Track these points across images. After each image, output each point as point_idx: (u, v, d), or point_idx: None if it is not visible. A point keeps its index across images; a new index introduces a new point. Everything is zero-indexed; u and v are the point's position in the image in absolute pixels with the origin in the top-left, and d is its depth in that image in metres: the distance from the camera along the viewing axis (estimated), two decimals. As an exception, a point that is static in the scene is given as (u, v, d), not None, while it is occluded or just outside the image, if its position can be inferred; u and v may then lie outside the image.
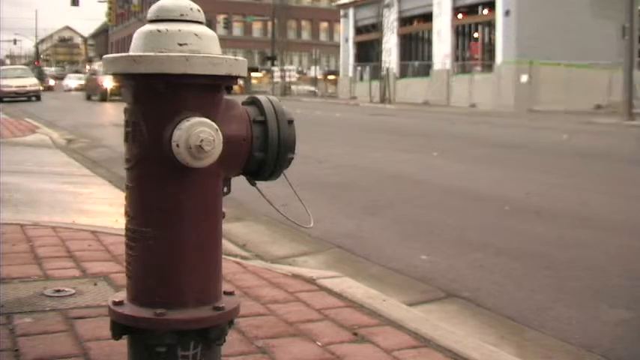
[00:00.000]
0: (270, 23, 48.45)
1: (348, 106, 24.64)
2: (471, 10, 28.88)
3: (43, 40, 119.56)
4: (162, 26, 1.34)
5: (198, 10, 1.37)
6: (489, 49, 27.72)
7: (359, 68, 36.28)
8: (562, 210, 4.69)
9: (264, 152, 1.42)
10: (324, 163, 6.98)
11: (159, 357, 1.33)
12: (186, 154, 1.28)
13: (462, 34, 29.43)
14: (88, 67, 54.07)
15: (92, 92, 27.37)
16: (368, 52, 34.58)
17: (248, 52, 54.01)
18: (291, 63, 51.29)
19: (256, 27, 58.56)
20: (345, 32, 38.33)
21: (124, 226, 1.42)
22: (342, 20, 39.21)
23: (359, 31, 37.19)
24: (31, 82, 26.08)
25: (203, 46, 1.34)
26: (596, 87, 22.43)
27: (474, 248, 3.60)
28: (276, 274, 2.63)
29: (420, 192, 5.50)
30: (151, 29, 1.34)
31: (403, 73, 31.97)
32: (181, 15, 1.34)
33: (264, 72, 50.46)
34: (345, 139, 10.65)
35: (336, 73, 42.72)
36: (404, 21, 33.34)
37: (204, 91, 1.34)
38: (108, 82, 23.33)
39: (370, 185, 5.83)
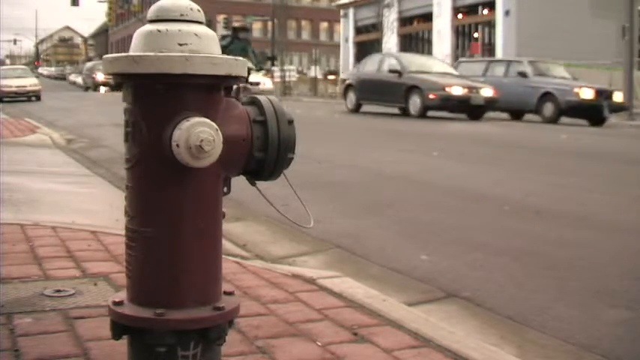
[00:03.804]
0: (270, 23, 48.43)
1: (348, 106, 24.63)
2: (471, 10, 28.92)
3: (43, 40, 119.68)
4: (162, 26, 1.34)
5: (199, 10, 1.37)
6: (489, 49, 27.73)
7: (359, 68, 36.26)
8: (562, 210, 4.69)
9: (264, 152, 1.43)
10: (323, 163, 6.97)
11: (159, 357, 1.34)
12: (186, 154, 1.28)
13: (462, 34, 29.45)
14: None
15: None
16: (368, 52, 34.56)
17: (248, 52, 53.96)
18: (291, 63, 51.27)
19: (256, 27, 58.57)
20: (345, 32, 38.35)
21: (124, 226, 1.42)
22: (342, 20, 39.22)
23: (359, 31, 37.21)
24: (31, 82, 26.13)
25: (203, 46, 1.34)
26: (596, 87, 22.40)
27: (474, 248, 3.59)
28: (276, 274, 2.63)
29: (420, 192, 5.50)
30: (151, 29, 1.34)
31: (403, 73, 31.94)
32: (181, 15, 1.35)
33: (264, 72, 50.38)
34: (345, 139, 10.64)
35: (336, 73, 42.69)
36: (404, 21, 33.38)
37: (204, 91, 1.35)
38: None
39: (370, 185, 5.83)
